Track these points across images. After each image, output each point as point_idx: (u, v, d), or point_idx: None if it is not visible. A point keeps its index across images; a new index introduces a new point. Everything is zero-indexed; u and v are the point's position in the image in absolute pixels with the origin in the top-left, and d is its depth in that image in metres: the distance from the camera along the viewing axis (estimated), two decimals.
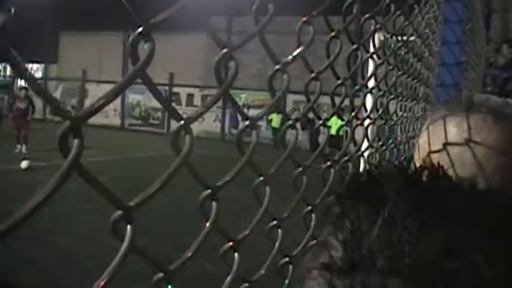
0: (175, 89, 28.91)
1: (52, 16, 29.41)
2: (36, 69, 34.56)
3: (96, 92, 30.67)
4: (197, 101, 28.24)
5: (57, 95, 32.34)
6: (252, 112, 24.14)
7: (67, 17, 29.18)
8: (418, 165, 1.15)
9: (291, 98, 22.19)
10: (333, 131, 14.82)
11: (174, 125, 0.59)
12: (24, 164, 13.80)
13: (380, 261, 0.46)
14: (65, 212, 8.55)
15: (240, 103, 25.42)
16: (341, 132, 14.46)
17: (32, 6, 25.43)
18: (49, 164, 12.82)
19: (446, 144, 1.10)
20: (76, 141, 0.44)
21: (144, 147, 19.92)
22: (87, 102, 31.38)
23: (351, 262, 0.47)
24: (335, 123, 14.15)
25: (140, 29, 0.49)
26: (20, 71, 0.40)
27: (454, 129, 1.10)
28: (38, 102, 32.56)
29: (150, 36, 0.50)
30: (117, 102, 28.77)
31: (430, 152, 1.13)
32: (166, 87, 28.32)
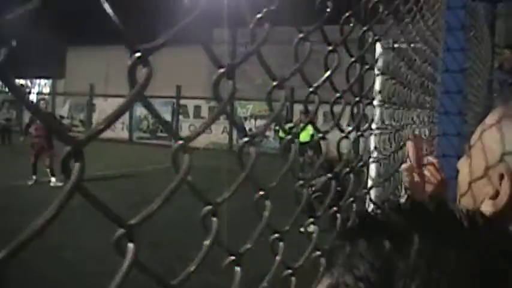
0: (182, 102, 28.97)
1: (59, 31, 29.55)
2: (43, 85, 34.77)
3: (103, 106, 30.81)
4: (204, 112, 28.27)
5: (65, 110, 32.52)
6: (260, 122, 24.13)
7: (74, 32, 29.36)
8: (470, 176, 1.03)
9: (297, 108, 22.14)
10: (301, 139, 14.82)
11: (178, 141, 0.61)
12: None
13: None
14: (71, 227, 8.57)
15: (248, 114, 25.46)
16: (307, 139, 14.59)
17: (38, 22, 25.59)
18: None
19: (503, 154, 0.97)
20: (77, 165, 0.46)
21: (152, 160, 19.94)
22: (95, 117, 31.58)
23: None
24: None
25: (138, 54, 0.51)
26: (20, 98, 0.42)
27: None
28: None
29: (148, 61, 0.52)
30: (125, 116, 28.84)
31: (487, 167, 1.00)
32: (174, 100, 28.39)
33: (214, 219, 0.68)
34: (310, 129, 15.74)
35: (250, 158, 0.76)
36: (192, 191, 0.64)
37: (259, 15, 0.74)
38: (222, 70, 0.65)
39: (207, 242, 0.67)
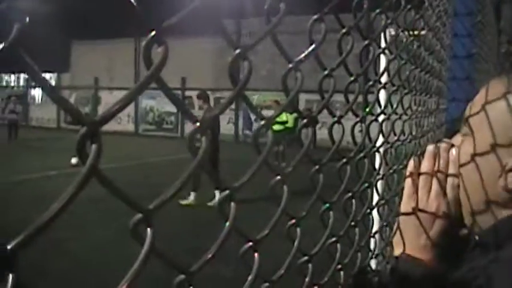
0: (187, 93, 29.01)
1: (63, 25, 29.55)
2: (49, 79, 34.83)
3: (108, 99, 30.90)
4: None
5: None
6: (265, 113, 24.06)
7: (78, 26, 29.39)
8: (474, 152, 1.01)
9: (303, 98, 22.07)
10: (276, 127, 14.79)
11: (189, 128, 0.59)
12: (74, 160, 14.25)
13: None
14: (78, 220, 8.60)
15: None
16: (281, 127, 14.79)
17: (43, 16, 25.58)
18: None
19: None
20: (94, 146, 0.44)
21: (159, 152, 20.00)
22: (100, 110, 31.65)
23: None
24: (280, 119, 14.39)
25: (153, 33, 0.49)
26: (37, 79, 0.40)
27: None
28: (52, 111, 32.81)
29: (163, 39, 0.50)
30: (131, 108, 29.00)
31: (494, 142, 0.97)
32: (179, 92, 28.40)
33: (232, 204, 0.66)
34: (285, 117, 15.64)
35: (265, 142, 0.75)
36: (208, 176, 0.62)
37: None
38: (238, 51, 0.63)
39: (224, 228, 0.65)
